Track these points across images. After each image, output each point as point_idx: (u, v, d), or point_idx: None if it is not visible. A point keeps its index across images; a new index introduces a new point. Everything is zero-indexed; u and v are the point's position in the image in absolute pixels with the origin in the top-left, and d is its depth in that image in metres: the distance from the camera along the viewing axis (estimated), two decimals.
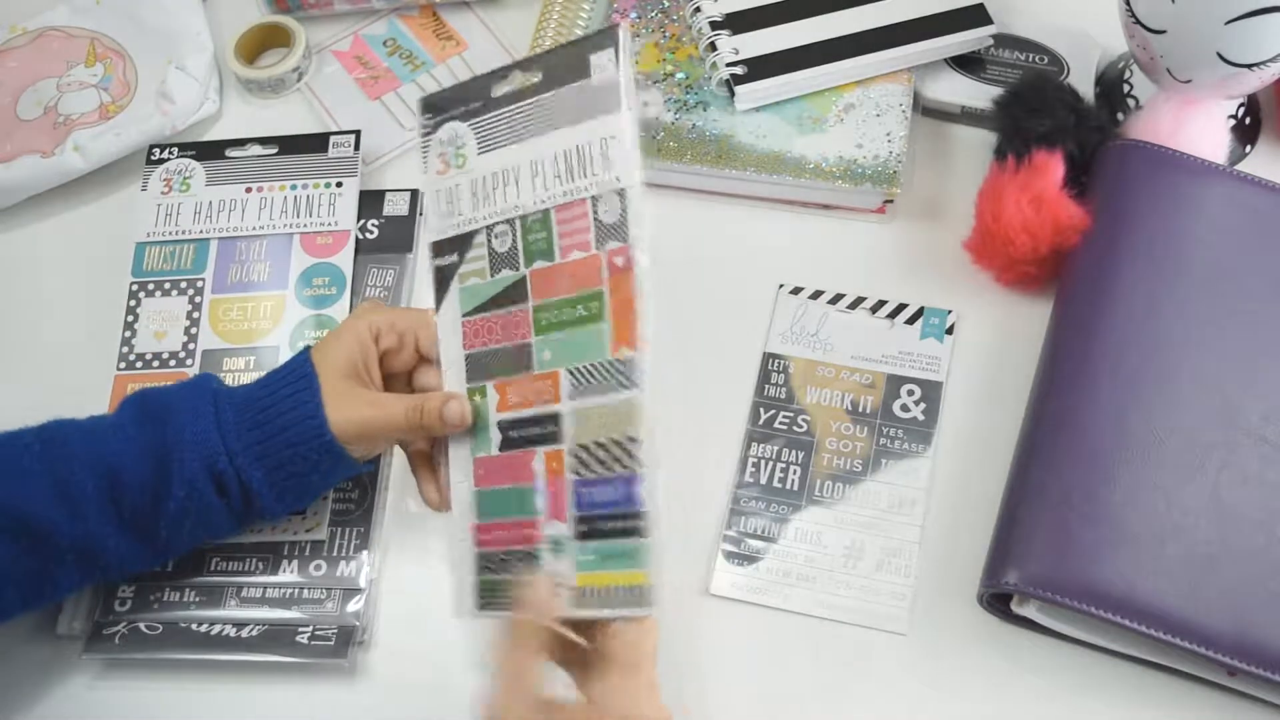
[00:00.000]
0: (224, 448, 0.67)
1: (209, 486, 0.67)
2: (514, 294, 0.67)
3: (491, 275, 0.68)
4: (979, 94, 0.88)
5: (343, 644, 0.71)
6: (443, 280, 0.70)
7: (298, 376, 0.68)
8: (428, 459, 0.72)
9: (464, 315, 0.69)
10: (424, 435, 0.71)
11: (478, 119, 0.69)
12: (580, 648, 0.63)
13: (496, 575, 0.67)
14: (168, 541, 0.68)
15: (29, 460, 0.66)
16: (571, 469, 0.65)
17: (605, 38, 0.64)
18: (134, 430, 0.67)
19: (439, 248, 0.70)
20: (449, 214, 0.70)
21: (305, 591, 0.74)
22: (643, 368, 0.63)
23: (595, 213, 0.65)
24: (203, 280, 0.84)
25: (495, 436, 0.67)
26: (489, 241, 0.68)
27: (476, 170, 0.69)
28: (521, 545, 0.66)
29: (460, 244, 0.69)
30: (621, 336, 0.64)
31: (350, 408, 0.68)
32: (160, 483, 0.66)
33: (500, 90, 0.69)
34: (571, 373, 0.65)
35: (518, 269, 0.67)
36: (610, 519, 0.63)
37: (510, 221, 0.67)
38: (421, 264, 0.85)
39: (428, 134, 0.71)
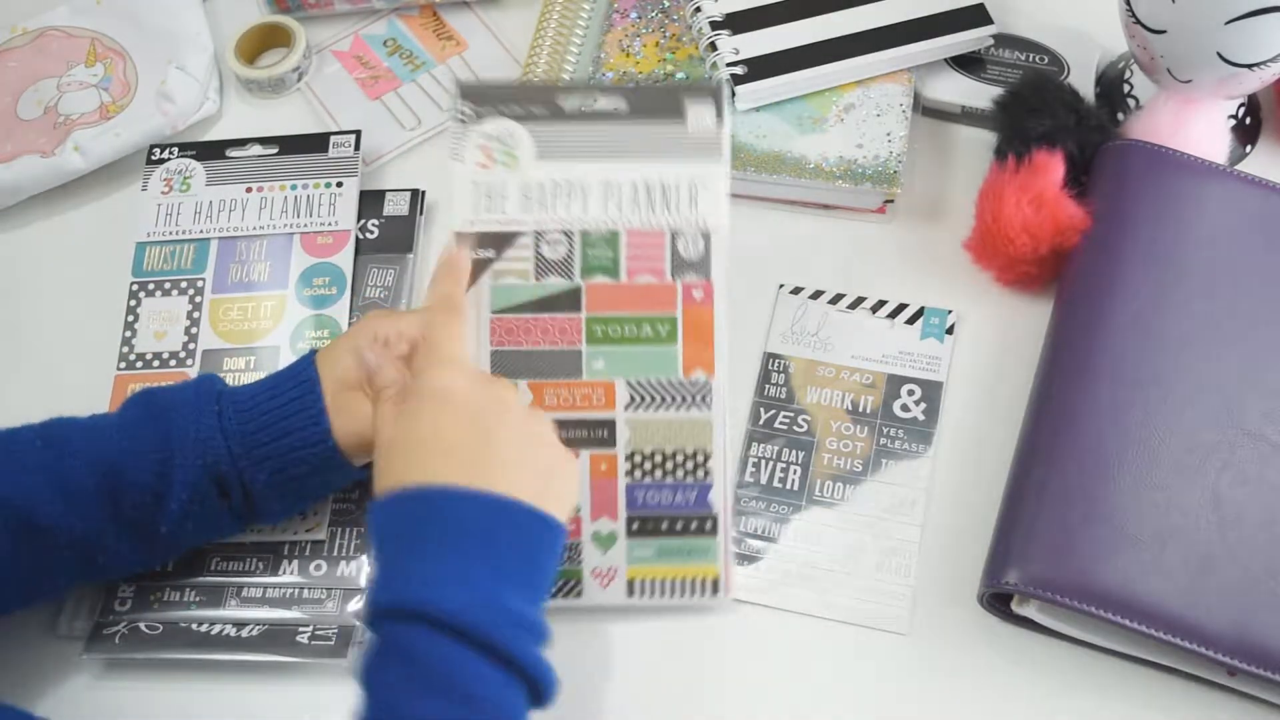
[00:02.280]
0: (227, 450, 0.67)
1: (211, 489, 0.67)
2: (564, 302, 0.71)
3: (537, 279, 0.70)
4: (979, 94, 0.88)
5: (343, 644, 0.72)
6: (471, 273, 0.71)
7: (301, 381, 0.68)
8: None
9: (494, 312, 0.70)
10: None
11: (539, 125, 0.71)
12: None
13: None
14: (168, 541, 0.68)
15: (31, 457, 0.66)
16: (627, 472, 0.70)
17: (707, 92, 0.71)
18: (137, 430, 0.67)
19: (469, 240, 0.71)
20: (488, 209, 0.71)
21: (305, 591, 0.74)
22: (718, 392, 0.71)
23: (674, 246, 0.71)
24: (203, 280, 0.84)
25: None
26: (537, 246, 0.70)
27: (530, 174, 0.71)
28: None
29: (499, 241, 0.71)
30: (696, 360, 0.70)
31: (353, 420, 0.68)
32: (162, 483, 0.66)
33: (571, 105, 0.71)
34: (632, 385, 0.70)
35: (572, 279, 0.70)
36: (676, 519, 0.70)
37: (568, 233, 0.70)
38: (426, 257, 0.85)
39: (466, 122, 0.71)
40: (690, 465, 0.71)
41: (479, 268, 0.71)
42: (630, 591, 0.70)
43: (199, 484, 0.66)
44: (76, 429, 0.68)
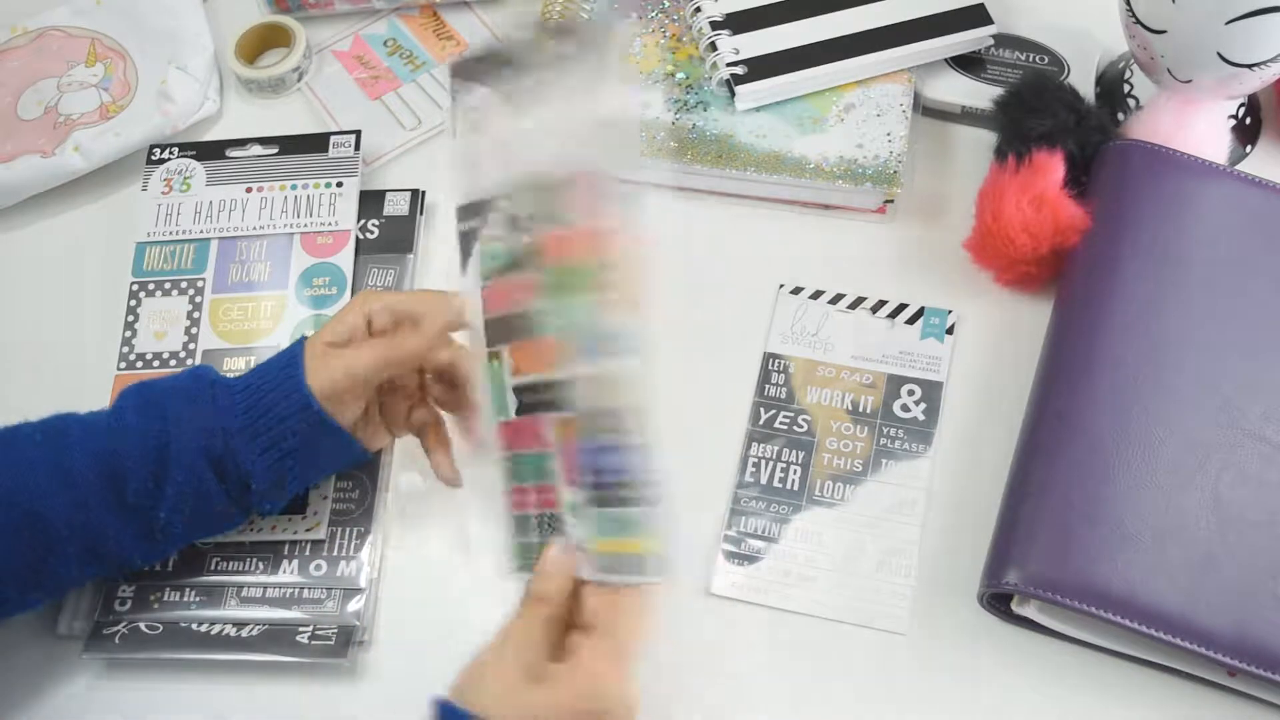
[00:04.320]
0: (221, 430, 0.68)
1: (208, 470, 0.67)
2: (527, 259, 0.66)
3: (509, 239, 0.67)
4: (979, 94, 0.88)
5: (343, 644, 0.72)
6: (466, 246, 0.69)
7: (288, 358, 0.70)
8: (439, 433, 0.74)
9: (483, 281, 0.68)
10: (398, 370, 0.72)
11: (506, 82, 0.69)
12: (585, 614, 0.63)
13: (528, 539, 0.67)
14: (166, 529, 0.68)
15: (32, 451, 0.67)
16: (580, 435, 0.64)
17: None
18: (134, 418, 0.68)
19: (463, 212, 0.70)
20: (472, 178, 0.69)
21: (305, 591, 0.74)
22: (644, 337, 0.63)
23: (609, 186, 0.64)
24: (203, 280, 0.84)
25: (512, 401, 0.67)
26: (510, 204, 0.67)
27: (498, 132, 0.68)
28: (548, 509, 0.66)
29: (483, 208, 0.68)
30: (624, 307, 0.64)
31: (328, 368, 0.69)
32: (160, 468, 0.67)
33: (534, 57, 0.67)
34: (572, 339, 0.64)
35: (532, 233, 0.65)
36: (622, 486, 0.63)
37: (532, 186, 0.66)
38: (426, 257, 0.86)
39: (457, 98, 0.70)
40: (628, 422, 0.64)
41: (470, 239, 0.70)
42: (598, 565, 0.64)
43: (195, 465, 0.67)
44: (75, 422, 0.69)
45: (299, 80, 0.94)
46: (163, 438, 0.67)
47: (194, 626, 0.73)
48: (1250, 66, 0.76)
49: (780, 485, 0.77)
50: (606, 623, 0.61)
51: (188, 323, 0.82)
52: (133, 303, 0.83)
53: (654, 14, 0.92)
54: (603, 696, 0.59)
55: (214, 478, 0.68)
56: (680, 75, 0.89)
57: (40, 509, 0.66)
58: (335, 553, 0.75)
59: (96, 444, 0.67)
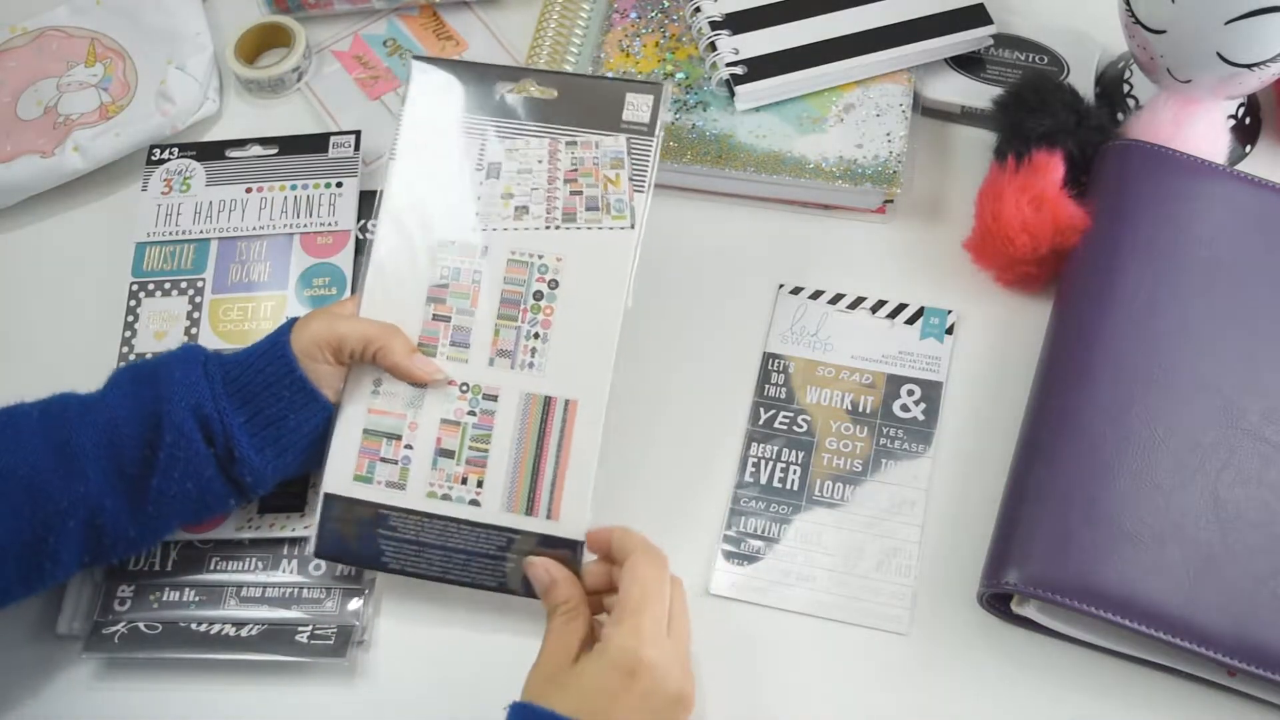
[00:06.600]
0: (210, 392, 0.69)
1: (196, 432, 0.68)
2: None
3: None
4: (979, 94, 0.88)
5: (342, 644, 0.72)
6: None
7: (277, 332, 0.72)
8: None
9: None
10: (370, 353, 0.73)
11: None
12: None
13: None
14: (159, 499, 0.68)
15: (29, 426, 0.68)
16: None
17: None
18: (130, 389, 0.70)
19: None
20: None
21: (305, 591, 0.74)
22: None
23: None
24: (203, 280, 0.84)
25: None
26: None
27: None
28: None
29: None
30: None
31: (315, 326, 0.72)
32: (154, 434, 0.68)
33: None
34: None
35: None
36: None
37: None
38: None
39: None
40: None
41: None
42: None
43: (184, 425, 0.68)
44: (73, 399, 0.70)
45: (299, 80, 0.94)
46: (155, 405, 0.68)
47: (193, 626, 0.73)
48: (1250, 66, 0.76)
49: (780, 485, 0.77)
50: (621, 602, 0.65)
51: (187, 323, 0.82)
52: (132, 303, 0.83)
53: (654, 14, 0.92)
54: (628, 660, 0.63)
55: (202, 439, 0.68)
56: (680, 75, 0.89)
57: (40, 483, 0.66)
58: None
59: (94, 417, 0.68)
